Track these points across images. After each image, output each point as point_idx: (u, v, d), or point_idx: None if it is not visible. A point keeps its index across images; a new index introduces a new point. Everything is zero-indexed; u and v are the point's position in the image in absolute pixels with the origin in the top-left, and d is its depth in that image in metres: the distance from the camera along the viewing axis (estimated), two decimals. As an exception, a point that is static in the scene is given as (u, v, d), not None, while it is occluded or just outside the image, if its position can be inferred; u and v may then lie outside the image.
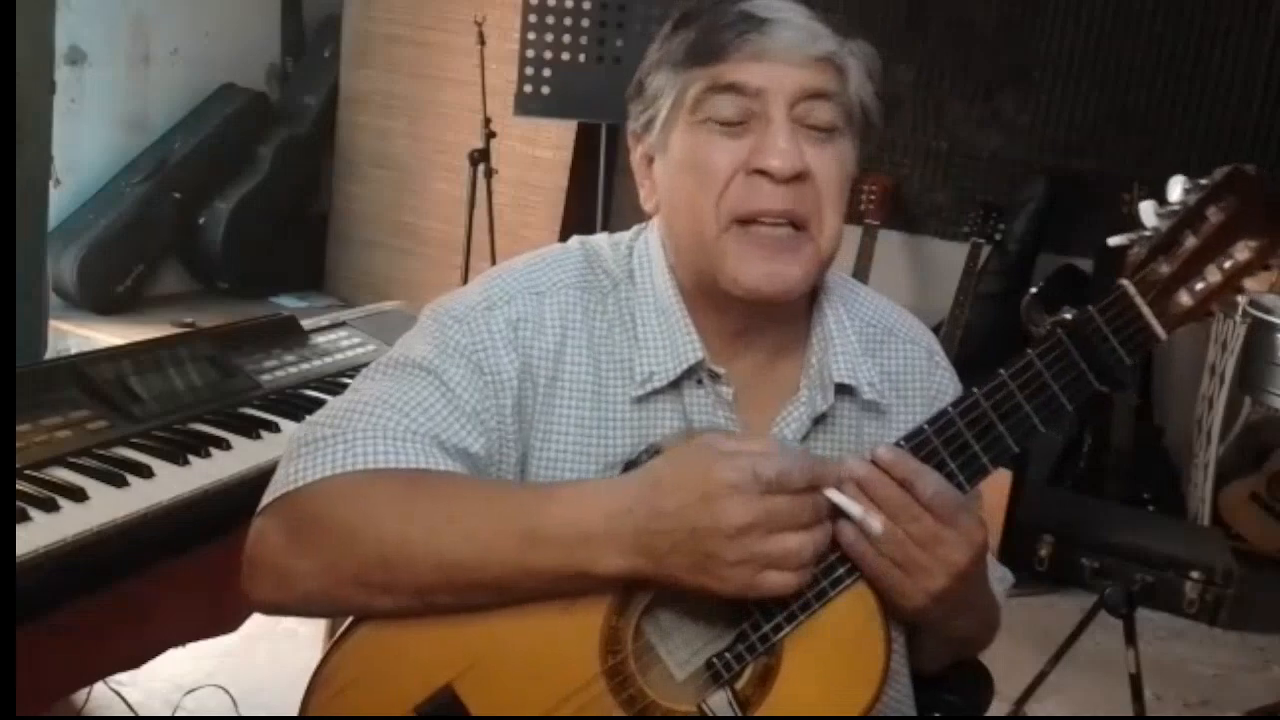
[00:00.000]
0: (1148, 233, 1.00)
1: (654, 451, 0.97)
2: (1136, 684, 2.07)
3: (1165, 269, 0.98)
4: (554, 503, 0.93)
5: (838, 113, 1.02)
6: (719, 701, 0.96)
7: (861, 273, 3.71)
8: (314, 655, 0.99)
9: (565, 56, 3.19)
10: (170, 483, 1.36)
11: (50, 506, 1.24)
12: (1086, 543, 3.18)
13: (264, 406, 1.63)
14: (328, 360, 1.84)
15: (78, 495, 1.27)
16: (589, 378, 1.05)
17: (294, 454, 0.99)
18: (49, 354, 2.49)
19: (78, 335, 3.81)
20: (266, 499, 0.99)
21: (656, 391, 1.05)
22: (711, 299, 1.07)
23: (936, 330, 2.51)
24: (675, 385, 1.06)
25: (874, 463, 0.95)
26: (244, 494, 1.29)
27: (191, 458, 1.43)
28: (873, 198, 3.82)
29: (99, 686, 2.00)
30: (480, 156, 3.40)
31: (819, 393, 1.09)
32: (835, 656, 0.97)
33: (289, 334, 1.86)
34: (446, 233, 4.32)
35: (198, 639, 1.61)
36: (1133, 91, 3.78)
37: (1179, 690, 2.75)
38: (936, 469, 0.96)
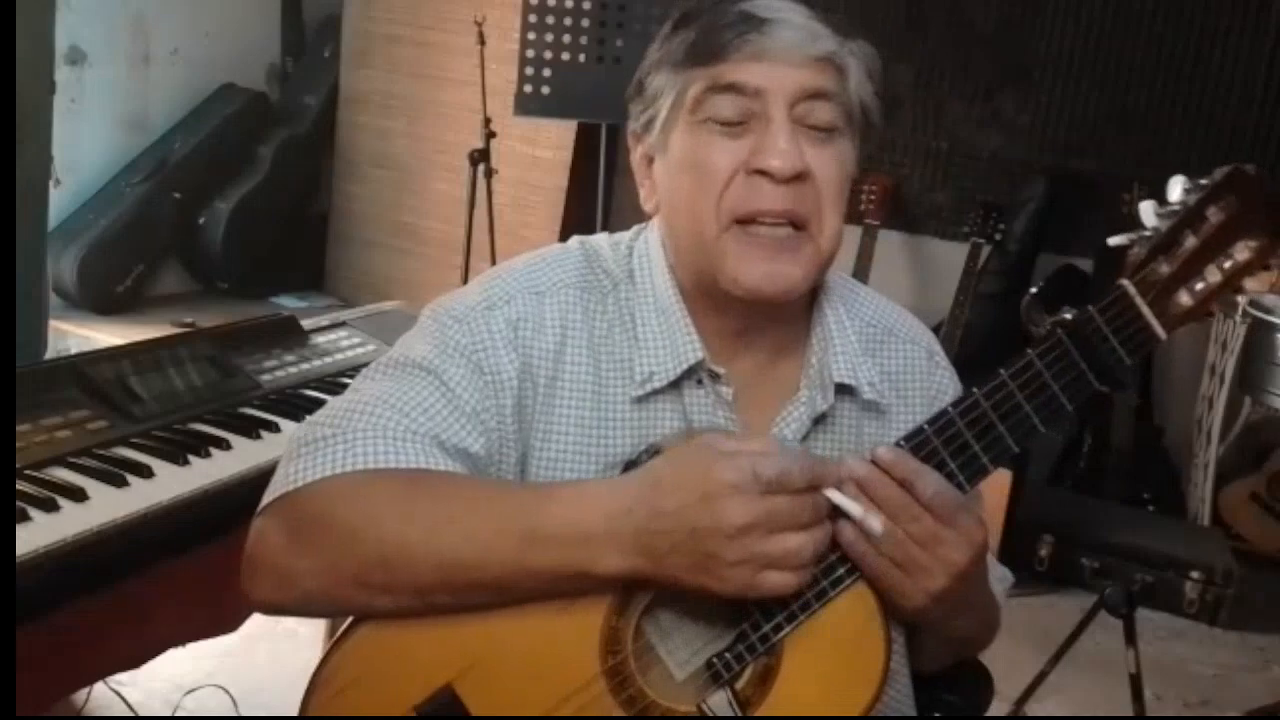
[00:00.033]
0: (1147, 233, 1.00)
1: (654, 451, 0.97)
2: (1136, 684, 2.07)
3: (1165, 269, 0.98)
4: (554, 503, 0.93)
5: (838, 113, 1.02)
6: (719, 701, 0.96)
7: (861, 273, 3.71)
8: (314, 655, 0.99)
9: (565, 56, 3.19)
10: (170, 483, 1.36)
11: (50, 506, 1.24)
12: (1086, 543, 3.18)
13: (264, 406, 1.63)
14: (328, 360, 1.84)
15: (78, 495, 1.27)
16: (589, 378, 1.05)
17: (294, 454, 0.99)
18: (49, 354, 2.49)
19: (78, 335, 3.82)
20: (266, 499, 0.99)
21: (656, 391, 1.05)
22: (711, 299, 1.07)
23: (936, 330, 2.51)
24: (675, 385, 1.06)
25: (874, 462, 0.95)
26: (244, 494, 1.29)
27: (191, 458, 1.43)
28: (873, 198, 3.82)
29: (99, 686, 2.00)
30: (480, 156, 3.40)
31: (819, 393, 1.09)
32: (835, 656, 0.97)
33: (289, 334, 1.86)
34: (446, 233, 4.33)
35: (198, 639, 1.61)
36: (1133, 91, 3.78)
37: (1179, 690, 2.75)
38: (936, 469, 0.96)
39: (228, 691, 2.15)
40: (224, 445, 1.48)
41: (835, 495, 0.93)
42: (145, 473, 1.36)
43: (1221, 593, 3.07)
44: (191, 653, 2.09)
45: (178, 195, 4.28)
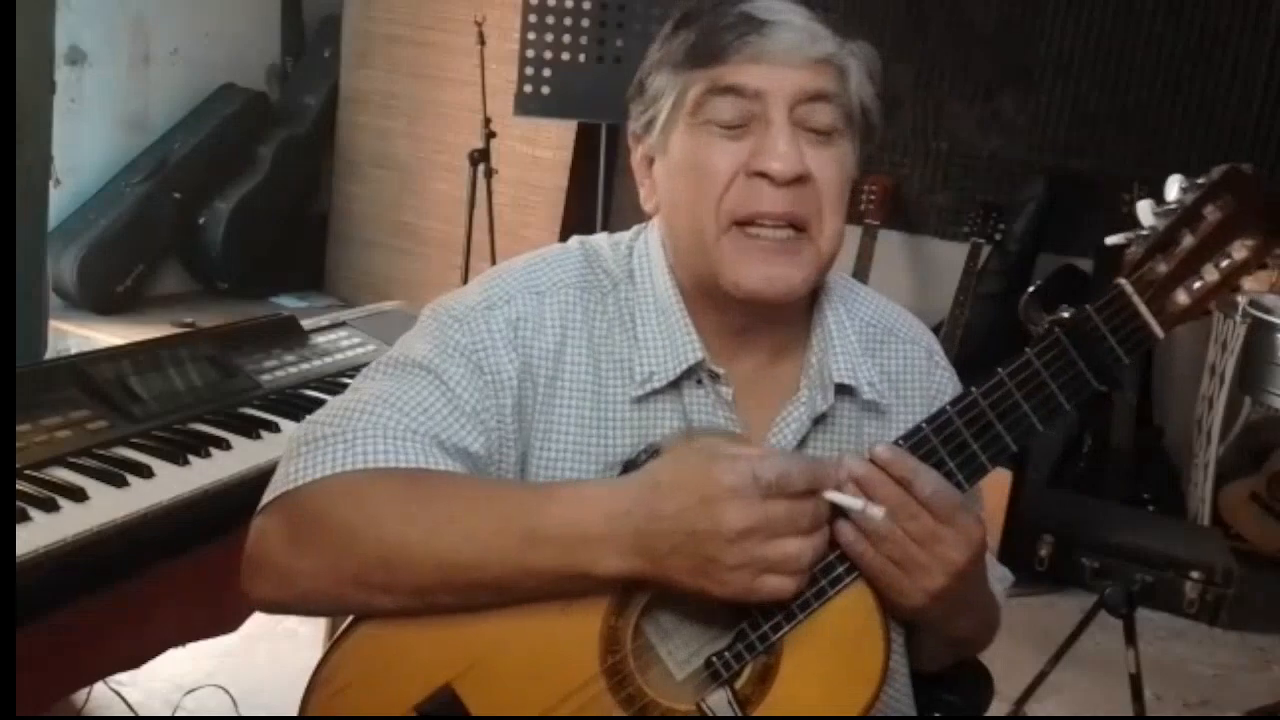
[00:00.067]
0: (1145, 232, 1.00)
1: (653, 451, 0.97)
2: (1136, 684, 2.07)
3: (1163, 268, 0.99)
4: (554, 503, 0.93)
5: (838, 114, 1.02)
6: (718, 701, 0.96)
7: (861, 273, 3.71)
8: (314, 655, 0.99)
9: (565, 56, 3.19)
10: (170, 483, 1.36)
11: (50, 506, 1.24)
12: (1086, 543, 3.18)
13: (264, 406, 1.63)
14: (328, 360, 1.84)
15: (78, 495, 1.27)
16: (589, 377, 1.05)
17: (294, 453, 0.99)
18: (49, 354, 2.49)
19: (78, 335, 3.82)
20: (267, 498, 0.99)
21: (656, 391, 1.05)
22: (711, 299, 1.07)
23: (936, 330, 2.51)
24: (675, 385, 1.06)
25: (872, 461, 0.95)
26: (244, 494, 1.29)
27: (191, 458, 1.43)
28: (873, 198, 3.82)
29: (99, 686, 2.00)
30: (480, 156, 3.40)
31: (819, 393, 1.09)
32: (834, 655, 0.97)
33: (289, 334, 1.87)
34: (446, 233, 4.33)
35: (198, 639, 1.61)
36: (1133, 91, 3.78)
37: (1179, 690, 2.75)
38: (935, 468, 0.96)
39: (228, 691, 2.16)
40: (224, 445, 1.48)
41: (834, 495, 0.93)
42: (145, 473, 1.36)
43: (1221, 593, 3.07)
44: (191, 653, 2.10)
45: (178, 195, 4.29)
